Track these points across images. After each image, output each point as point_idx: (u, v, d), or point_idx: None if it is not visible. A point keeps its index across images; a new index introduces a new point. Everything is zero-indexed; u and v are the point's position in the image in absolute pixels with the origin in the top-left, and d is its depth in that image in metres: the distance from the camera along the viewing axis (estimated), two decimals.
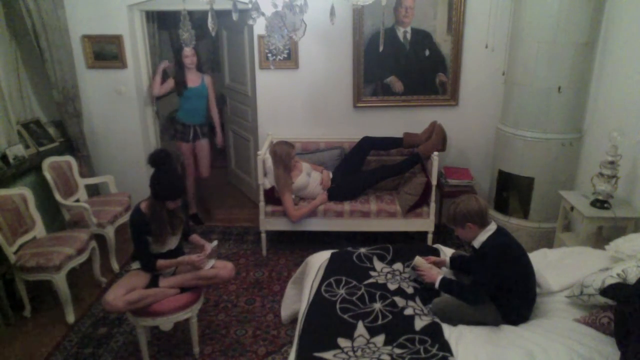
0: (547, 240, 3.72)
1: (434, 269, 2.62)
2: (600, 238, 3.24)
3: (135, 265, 2.82)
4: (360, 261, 2.86)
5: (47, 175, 3.69)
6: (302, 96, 4.37)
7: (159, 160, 2.64)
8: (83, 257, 3.36)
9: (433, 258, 2.75)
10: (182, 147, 4.50)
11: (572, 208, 3.26)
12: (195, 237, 3.00)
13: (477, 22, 4.02)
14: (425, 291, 2.56)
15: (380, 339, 2.20)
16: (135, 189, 4.27)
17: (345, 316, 2.36)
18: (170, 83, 4.35)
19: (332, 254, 2.95)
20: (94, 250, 3.54)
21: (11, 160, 3.60)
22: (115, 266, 3.84)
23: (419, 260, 2.68)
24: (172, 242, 2.83)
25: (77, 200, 3.95)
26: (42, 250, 3.17)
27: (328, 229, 3.98)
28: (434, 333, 2.21)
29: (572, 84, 3.53)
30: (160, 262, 2.74)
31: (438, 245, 3.09)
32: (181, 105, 4.45)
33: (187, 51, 4.14)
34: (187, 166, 4.55)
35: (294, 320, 3.05)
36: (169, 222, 2.73)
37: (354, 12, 4.05)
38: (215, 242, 2.93)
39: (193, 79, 4.32)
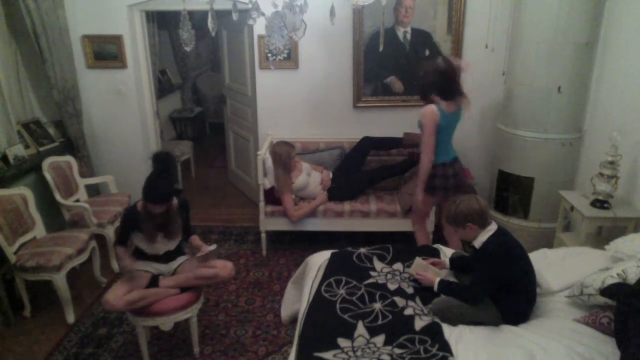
0: (547, 240, 3.72)
1: (431, 270, 2.62)
2: (600, 238, 3.24)
3: (136, 265, 2.82)
4: (360, 261, 2.86)
5: (47, 175, 3.69)
6: (302, 96, 4.37)
7: (157, 159, 2.64)
8: (83, 257, 3.36)
9: (432, 260, 2.76)
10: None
11: (572, 208, 3.26)
12: (194, 239, 2.96)
13: (477, 22, 4.02)
14: (425, 291, 2.55)
15: (380, 339, 2.20)
16: (135, 189, 4.23)
17: (345, 316, 2.36)
18: None
19: (332, 254, 2.94)
20: (94, 250, 3.54)
21: (11, 160, 3.61)
22: (115, 266, 3.84)
23: (418, 261, 2.69)
24: (165, 246, 2.80)
25: (77, 200, 3.95)
26: (42, 250, 3.17)
27: (328, 229, 3.98)
28: (434, 333, 2.21)
29: (572, 84, 3.52)
30: (164, 282, 2.75)
31: (438, 245, 3.09)
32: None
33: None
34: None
35: (294, 320, 3.05)
36: (161, 225, 2.71)
37: (354, 12, 4.05)
38: (214, 246, 2.89)
39: None
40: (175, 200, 2.79)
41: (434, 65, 3.14)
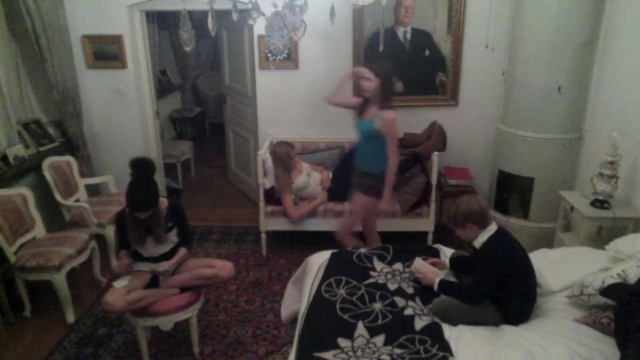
0: (547, 240, 3.72)
1: (432, 270, 2.62)
2: (600, 238, 3.24)
3: (136, 265, 2.82)
4: (360, 261, 2.86)
5: (47, 175, 3.69)
6: (302, 96, 4.37)
7: (137, 167, 2.59)
8: (83, 257, 3.36)
9: (432, 260, 2.76)
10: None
11: (572, 208, 3.26)
12: (180, 250, 2.87)
13: (477, 22, 4.02)
14: (425, 291, 2.56)
15: (380, 339, 2.20)
16: None
17: (345, 316, 2.36)
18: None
19: (332, 254, 2.95)
20: (94, 250, 3.54)
21: (11, 160, 3.61)
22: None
23: (418, 261, 2.68)
24: (157, 249, 2.79)
25: (77, 200, 3.95)
26: (42, 250, 3.17)
27: (328, 229, 3.98)
28: (434, 333, 2.21)
29: (572, 84, 3.53)
30: (164, 283, 2.78)
31: (438, 245, 3.09)
32: None
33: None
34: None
35: (294, 320, 3.05)
36: (149, 228, 2.69)
37: (354, 12, 4.05)
38: (165, 268, 2.76)
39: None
40: (165, 203, 2.78)
41: (389, 68, 3.05)
